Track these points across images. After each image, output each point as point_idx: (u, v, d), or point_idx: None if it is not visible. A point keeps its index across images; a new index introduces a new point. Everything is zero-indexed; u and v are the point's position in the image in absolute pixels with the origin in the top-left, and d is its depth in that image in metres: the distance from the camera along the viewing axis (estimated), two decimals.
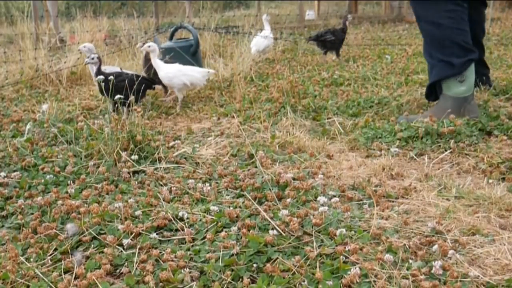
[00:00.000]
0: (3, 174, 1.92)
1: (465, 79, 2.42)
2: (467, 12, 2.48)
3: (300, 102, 2.93)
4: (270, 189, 1.69)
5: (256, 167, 1.95)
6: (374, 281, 1.19)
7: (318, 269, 1.25)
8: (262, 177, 1.80)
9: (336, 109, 2.83)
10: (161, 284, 1.23)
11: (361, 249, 1.33)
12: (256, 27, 6.17)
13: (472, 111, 2.44)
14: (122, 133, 2.05)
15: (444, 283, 1.19)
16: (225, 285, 1.22)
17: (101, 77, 2.41)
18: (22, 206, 1.67)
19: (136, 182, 1.86)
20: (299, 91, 3.11)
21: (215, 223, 1.49)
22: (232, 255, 1.32)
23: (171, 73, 3.02)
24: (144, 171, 1.95)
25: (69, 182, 1.86)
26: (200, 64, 4.17)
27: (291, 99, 2.90)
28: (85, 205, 1.66)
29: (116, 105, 2.61)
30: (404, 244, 1.35)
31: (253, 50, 4.76)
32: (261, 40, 4.85)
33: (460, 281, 1.20)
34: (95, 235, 1.46)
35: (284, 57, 5.15)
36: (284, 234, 1.41)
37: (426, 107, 2.70)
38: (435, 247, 1.33)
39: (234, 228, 1.45)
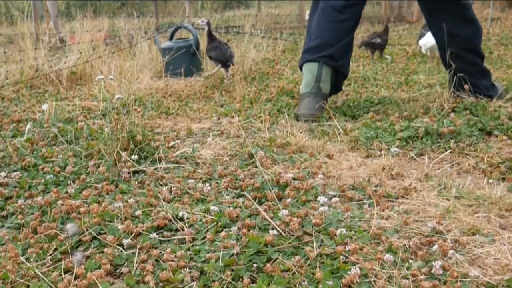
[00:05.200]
0: (3, 174, 1.92)
1: (303, 77, 2.76)
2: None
3: None
4: (270, 189, 1.69)
5: (256, 167, 1.95)
6: (374, 281, 1.19)
7: (318, 269, 1.24)
8: (262, 177, 1.80)
9: (336, 109, 2.83)
10: (161, 284, 1.23)
11: (361, 249, 1.33)
12: (256, 27, 6.17)
13: (300, 108, 2.68)
14: (122, 133, 2.05)
15: (444, 283, 1.19)
16: (225, 285, 1.22)
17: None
18: (22, 206, 1.67)
19: (136, 182, 1.86)
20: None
21: (215, 223, 1.49)
22: (232, 255, 1.31)
23: None
24: (144, 171, 1.95)
25: (69, 182, 1.86)
26: (199, 64, 4.18)
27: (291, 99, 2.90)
28: (85, 205, 1.66)
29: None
30: (404, 244, 1.35)
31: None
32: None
33: (460, 281, 1.19)
34: (95, 235, 1.46)
35: (284, 57, 5.15)
36: (284, 234, 1.41)
37: (426, 107, 2.70)
38: (435, 247, 1.33)
39: (234, 228, 1.45)
